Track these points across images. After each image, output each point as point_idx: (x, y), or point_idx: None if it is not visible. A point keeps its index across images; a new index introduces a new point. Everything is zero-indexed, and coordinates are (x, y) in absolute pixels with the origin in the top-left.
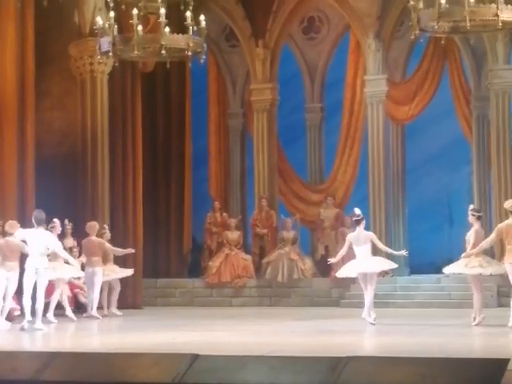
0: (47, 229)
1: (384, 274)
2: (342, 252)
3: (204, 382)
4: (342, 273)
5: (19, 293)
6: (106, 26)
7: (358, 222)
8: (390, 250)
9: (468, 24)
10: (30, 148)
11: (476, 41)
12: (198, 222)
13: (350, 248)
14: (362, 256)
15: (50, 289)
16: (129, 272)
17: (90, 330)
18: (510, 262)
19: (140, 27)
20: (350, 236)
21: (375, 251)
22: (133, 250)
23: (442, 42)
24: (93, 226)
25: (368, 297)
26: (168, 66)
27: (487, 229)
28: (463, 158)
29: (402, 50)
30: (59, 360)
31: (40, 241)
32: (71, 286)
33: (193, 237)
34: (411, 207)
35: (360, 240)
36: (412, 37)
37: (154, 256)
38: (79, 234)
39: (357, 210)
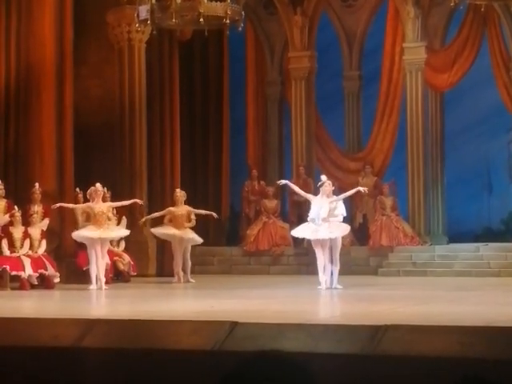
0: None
1: (423, 242)
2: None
3: (243, 350)
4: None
5: None
6: None
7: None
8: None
9: None
10: (68, 115)
11: None
12: (236, 190)
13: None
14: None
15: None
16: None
17: (129, 297)
18: None
19: None
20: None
21: None
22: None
23: (482, 9)
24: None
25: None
26: (206, 34)
27: None
28: (503, 126)
29: (441, 16)
30: (100, 327)
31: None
32: (110, 253)
33: (231, 205)
34: (450, 175)
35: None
36: (451, 3)
37: None
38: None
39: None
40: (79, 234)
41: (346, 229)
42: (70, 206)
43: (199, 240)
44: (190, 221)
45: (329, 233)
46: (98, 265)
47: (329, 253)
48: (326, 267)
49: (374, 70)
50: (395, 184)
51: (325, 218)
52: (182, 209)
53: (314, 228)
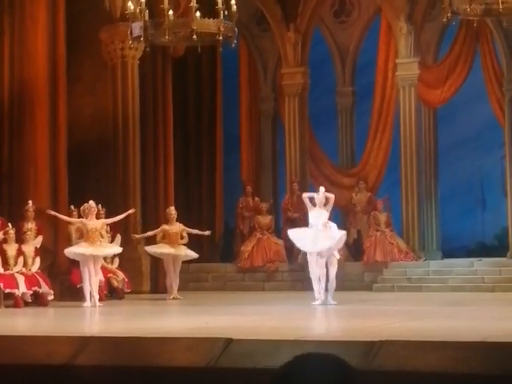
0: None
1: (417, 258)
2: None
3: (238, 366)
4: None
5: None
6: (137, 10)
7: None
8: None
9: (500, 6)
10: (62, 133)
11: (508, 23)
12: (230, 207)
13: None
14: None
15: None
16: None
17: (123, 314)
18: None
19: (171, 12)
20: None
21: None
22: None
23: (475, 25)
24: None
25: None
26: (199, 50)
27: None
28: (496, 142)
29: (433, 32)
30: (94, 344)
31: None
32: (104, 270)
33: (225, 221)
34: (444, 191)
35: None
36: (444, 19)
37: None
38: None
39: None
40: (71, 251)
41: (343, 236)
42: (65, 218)
43: (194, 255)
44: (182, 238)
45: (327, 241)
46: (92, 282)
47: (325, 268)
48: (322, 279)
49: (367, 85)
50: (389, 200)
51: (325, 223)
52: (176, 227)
53: (313, 237)
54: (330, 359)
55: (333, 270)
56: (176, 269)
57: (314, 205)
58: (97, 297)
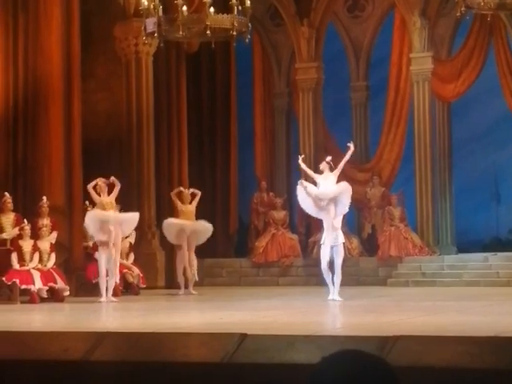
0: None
1: (431, 252)
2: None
3: (253, 362)
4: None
5: None
6: (151, 6)
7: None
8: None
9: None
10: (76, 129)
11: None
12: (245, 202)
13: None
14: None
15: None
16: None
17: (139, 309)
18: None
19: (185, 7)
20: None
21: None
22: None
23: (488, 19)
24: None
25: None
26: (213, 46)
27: None
28: (510, 136)
29: (447, 27)
30: (109, 340)
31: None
32: (120, 266)
33: (239, 217)
34: (458, 185)
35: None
36: (458, 14)
37: None
38: None
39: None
40: (93, 216)
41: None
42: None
43: (209, 227)
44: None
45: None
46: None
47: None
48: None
49: (381, 80)
50: (403, 194)
51: (332, 199)
52: (191, 206)
53: (319, 208)
54: (366, 357)
55: (338, 261)
56: (192, 246)
57: (321, 173)
58: (111, 285)
